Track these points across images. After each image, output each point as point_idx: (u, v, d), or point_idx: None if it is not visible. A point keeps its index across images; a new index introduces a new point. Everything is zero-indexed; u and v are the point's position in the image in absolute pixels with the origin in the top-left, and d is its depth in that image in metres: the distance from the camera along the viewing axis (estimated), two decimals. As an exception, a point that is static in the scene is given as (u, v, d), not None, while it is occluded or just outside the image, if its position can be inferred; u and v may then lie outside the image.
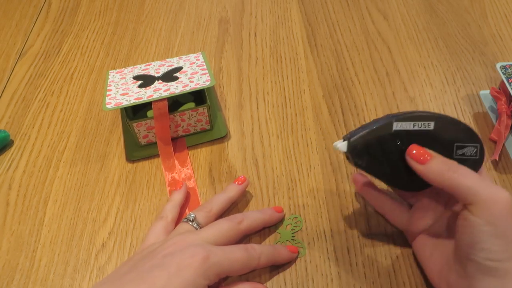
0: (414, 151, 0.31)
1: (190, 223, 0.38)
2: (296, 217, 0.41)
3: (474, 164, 0.32)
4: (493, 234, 0.29)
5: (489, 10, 0.62)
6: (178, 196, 0.42)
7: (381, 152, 0.32)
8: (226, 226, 0.37)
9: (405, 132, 0.31)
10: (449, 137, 0.31)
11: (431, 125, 0.31)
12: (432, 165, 0.31)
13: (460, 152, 0.31)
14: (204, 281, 0.32)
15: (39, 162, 0.48)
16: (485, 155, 0.32)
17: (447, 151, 0.32)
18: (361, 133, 0.32)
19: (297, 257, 0.39)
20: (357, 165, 0.33)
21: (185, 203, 0.43)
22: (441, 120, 0.31)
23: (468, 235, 0.30)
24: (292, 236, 0.40)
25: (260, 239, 0.40)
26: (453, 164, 0.31)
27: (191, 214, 0.39)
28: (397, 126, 0.31)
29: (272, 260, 0.37)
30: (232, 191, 0.42)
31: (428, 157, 0.31)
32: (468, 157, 0.31)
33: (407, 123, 0.31)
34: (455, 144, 0.31)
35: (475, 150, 0.31)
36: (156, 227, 0.39)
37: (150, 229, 0.39)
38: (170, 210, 0.40)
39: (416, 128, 0.31)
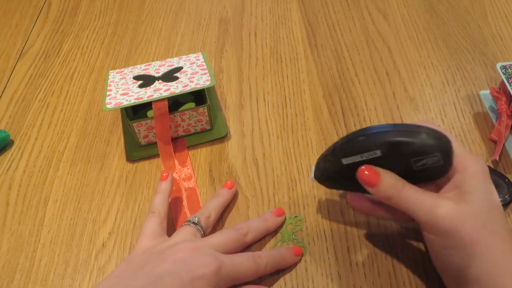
0: (365, 172, 0.32)
1: (194, 225, 0.38)
2: (296, 216, 0.41)
3: (440, 170, 0.32)
4: (445, 246, 0.30)
5: (489, 10, 0.62)
6: (166, 187, 0.41)
7: (343, 179, 0.34)
8: (233, 236, 0.37)
9: (357, 163, 0.32)
10: (402, 156, 0.31)
11: (377, 153, 0.31)
12: (381, 187, 0.32)
13: (419, 164, 0.31)
14: None
15: (39, 162, 0.48)
16: (452, 159, 0.31)
17: (405, 166, 0.31)
18: (322, 167, 0.35)
19: (300, 259, 0.39)
20: (326, 187, 0.37)
21: (179, 201, 0.43)
22: (389, 145, 0.30)
23: (429, 248, 0.32)
24: (294, 236, 0.40)
25: (261, 239, 0.40)
26: (398, 185, 0.32)
27: (195, 217, 0.38)
28: (346, 161, 0.33)
29: (277, 266, 0.37)
30: (225, 196, 0.42)
31: (377, 180, 0.32)
32: (431, 166, 0.31)
33: (355, 156, 0.32)
34: (412, 160, 0.31)
35: (437, 158, 0.30)
36: (150, 223, 0.38)
37: (144, 225, 0.38)
38: (161, 204, 0.40)
39: (364, 158, 0.32)
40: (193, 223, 0.38)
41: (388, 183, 0.32)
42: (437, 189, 0.33)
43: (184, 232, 0.37)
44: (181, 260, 0.33)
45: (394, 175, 0.32)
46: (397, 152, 0.31)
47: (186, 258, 0.33)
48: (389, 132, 0.30)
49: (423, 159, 0.30)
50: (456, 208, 0.30)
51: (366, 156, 0.31)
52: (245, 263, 0.35)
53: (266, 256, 0.36)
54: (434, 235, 0.31)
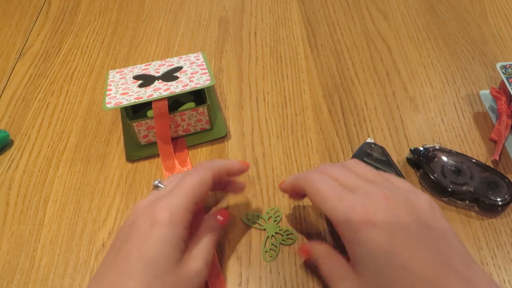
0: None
1: (156, 189, 0.36)
2: (273, 208, 0.42)
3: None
4: None
5: (489, 10, 0.62)
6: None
7: None
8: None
9: None
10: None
11: None
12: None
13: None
14: (177, 229, 0.31)
15: (39, 162, 0.48)
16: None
17: None
18: None
19: (292, 243, 0.39)
20: None
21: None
22: None
23: None
24: (278, 227, 0.40)
25: (248, 239, 0.40)
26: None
27: (157, 180, 0.37)
28: None
29: (226, 167, 0.36)
30: (233, 163, 0.39)
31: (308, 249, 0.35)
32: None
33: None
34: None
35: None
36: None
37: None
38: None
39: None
40: (154, 186, 0.36)
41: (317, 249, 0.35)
42: None
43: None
44: (132, 222, 0.32)
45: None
46: None
47: (135, 219, 0.32)
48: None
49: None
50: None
51: None
52: (187, 179, 0.33)
53: (208, 161, 0.36)
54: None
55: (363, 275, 0.29)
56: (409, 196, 0.31)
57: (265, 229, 0.40)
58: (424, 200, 0.30)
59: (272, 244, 0.39)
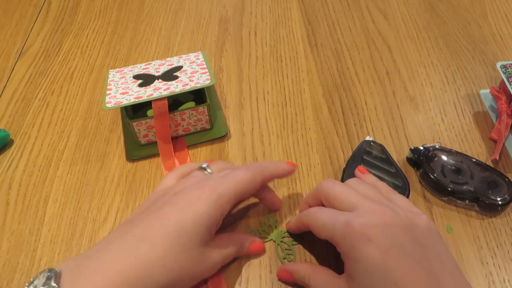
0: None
1: (203, 171, 0.38)
2: (267, 216, 0.42)
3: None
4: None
5: (489, 9, 0.62)
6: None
7: None
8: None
9: None
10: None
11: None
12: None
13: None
14: (216, 212, 0.32)
15: (39, 162, 0.48)
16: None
17: None
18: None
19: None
20: None
21: None
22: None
23: None
24: (282, 231, 0.40)
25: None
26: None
27: (205, 162, 0.38)
28: None
29: (275, 171, 0.38)
30: (281, 166, 0.39)
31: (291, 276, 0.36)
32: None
33: None
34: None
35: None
36: (169, 175, 0.39)
37: (163, 178, 0.39)
38: (185, 166, 0.40)
39: None
40: (202, 168, 0.38)
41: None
42: None
43: (191, 175, 0.37)
44: (179, 191, 0.34)
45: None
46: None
47: (183, 189, 0.34)
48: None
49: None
50: None
51: None
52: (239, 174, 0.35)
53: (260, 162, 0.36)
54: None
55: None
56: (408, 215, 0.31)
57: (271, 240, 0.40)
58: (422, 220, 0.32)
59: (285, 249, 0.39)
